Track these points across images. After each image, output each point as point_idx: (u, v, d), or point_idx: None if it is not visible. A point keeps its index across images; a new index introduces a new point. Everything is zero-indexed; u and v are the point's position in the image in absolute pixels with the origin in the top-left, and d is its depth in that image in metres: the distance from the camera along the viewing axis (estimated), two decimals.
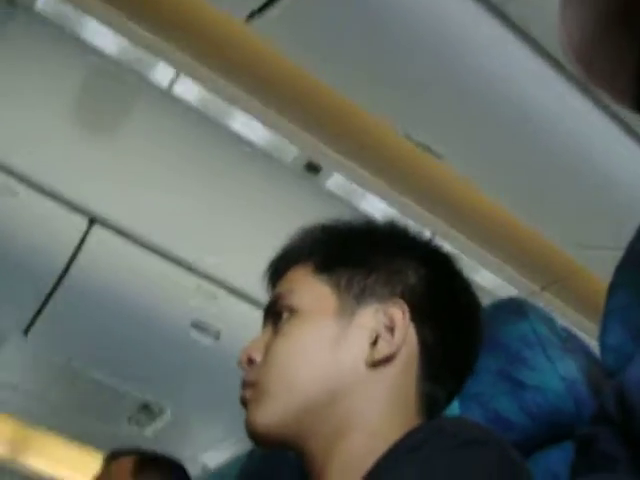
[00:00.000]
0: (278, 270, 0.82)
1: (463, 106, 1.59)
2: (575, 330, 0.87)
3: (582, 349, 0.82)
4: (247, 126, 1.95)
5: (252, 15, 1.41)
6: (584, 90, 1.52)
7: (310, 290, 0.77)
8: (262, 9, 1.37)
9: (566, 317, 2.12)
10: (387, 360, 0.74)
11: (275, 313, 0.78)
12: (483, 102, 1.56)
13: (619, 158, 1.63)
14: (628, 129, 1.57)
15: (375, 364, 0.73)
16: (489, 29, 1.44)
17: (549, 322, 0.84)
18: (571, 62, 0.61)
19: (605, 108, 1.54)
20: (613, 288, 0.73)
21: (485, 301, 0.82)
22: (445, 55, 1.48)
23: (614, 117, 1.55)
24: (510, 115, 1.58)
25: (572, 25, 0.59)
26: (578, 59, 0.60)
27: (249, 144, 1.99)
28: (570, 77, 1.50)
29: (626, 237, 0.74)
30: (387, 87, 1.59)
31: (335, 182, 2.04)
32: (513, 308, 0.87)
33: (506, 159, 1.70)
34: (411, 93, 1.59)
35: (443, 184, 1.83)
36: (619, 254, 0.74)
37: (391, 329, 0.74)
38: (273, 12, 1.36)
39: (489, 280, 2.16)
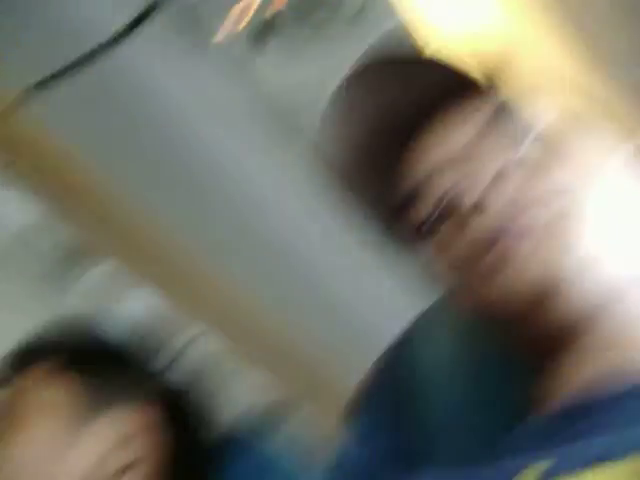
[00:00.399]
0: (22, 363, 0.76)
1: None
2: None
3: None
4: None
5: None
6: None
7: (50, 389, 0.72)
8: None
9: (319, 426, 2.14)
10: (129, 467, 0.70)
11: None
12: None
13: None
14: None
15: (117, 471, 0.69)
16: None
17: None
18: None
19: None
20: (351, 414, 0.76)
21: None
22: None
23: None
24: None
25: (332, 144, 0.63)
26: (343, 177, 0.63)
27: None
28: None
29: None
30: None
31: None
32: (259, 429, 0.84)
33: None
34: None
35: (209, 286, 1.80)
36: None
37: (134, 435, 0.71)
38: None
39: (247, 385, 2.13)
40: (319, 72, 1.24)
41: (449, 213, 0.57)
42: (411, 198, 0.60)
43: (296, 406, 2.08)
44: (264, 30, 1.27)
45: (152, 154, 1.36)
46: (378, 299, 1.66)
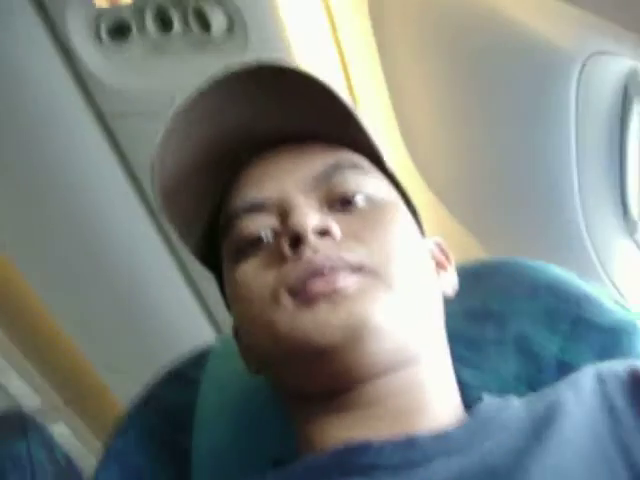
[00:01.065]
0: None
1: None
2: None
3: (78, 477, 0.76)
4: None
5: None
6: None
7: None
8: None
9: (82, 436, 2.11)
10: None
11: None
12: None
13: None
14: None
15: None
16: None
17: (50, 446, 0.77)
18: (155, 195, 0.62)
19: None
20: (117, 430, 0.74)
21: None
22: None
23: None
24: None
25: (164, 163, 0.60)
26: (163, 196, 0.61)
27: None
28: None
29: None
30: None
31: None
32: (14, 424, 0.79)
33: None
34: None
35: None
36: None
37: None
38: None
39: (15, 386, 2.03)
40: (165, 84, 1.21)
41: (274, 244, 0.58)
42: (237, 220, 0.60)
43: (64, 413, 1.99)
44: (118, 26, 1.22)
45: None
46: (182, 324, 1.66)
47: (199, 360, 0.79)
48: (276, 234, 0.58)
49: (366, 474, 0.52)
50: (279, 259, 0.56)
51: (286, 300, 0.54)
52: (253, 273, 0.58)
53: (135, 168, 1.40)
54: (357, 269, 0.55)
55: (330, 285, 0.53)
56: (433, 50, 1.07)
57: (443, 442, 0.54)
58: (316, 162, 0.60)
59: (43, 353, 1.97)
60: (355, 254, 0.55)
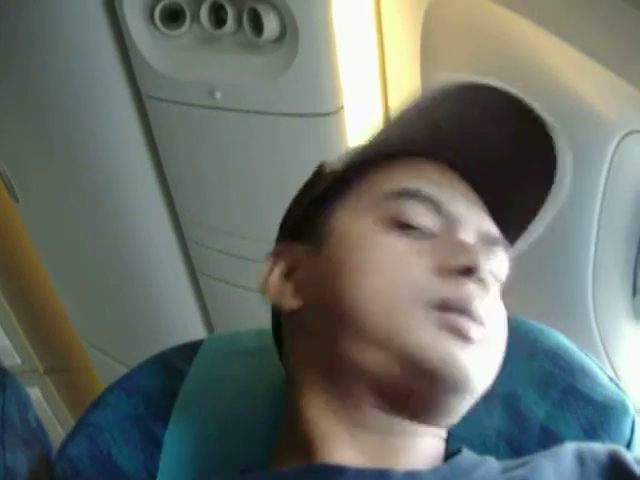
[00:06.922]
0: None
1: None
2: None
3: (42, 444, 0.75)
4: None
5: None
6: None
7: None
8: None
9: (54, 406, 2.09)
10: None
11: None
12: None
13: None
14: None
15: None
16: None
17: (24, 406, 0.77)
18: None
19: None
20: (94, 405, 0.75)
21: None
22: None
23: None
24: None
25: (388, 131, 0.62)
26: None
27: None
28: None
29: None
30: None
31: None
32: None
33: None
34: None
35: None
36: None
37: None
38: None
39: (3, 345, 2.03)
40: (206, 78, 1.22)
41: (438, 248, 0.58)
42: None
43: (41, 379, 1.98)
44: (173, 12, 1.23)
45: None
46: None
47: (188, 352, 0.79)
48: (438, 239, 0.59)
49: None
50: (438, 264, 0.57)
51: (430, 309, 0.55)
52: (405, 254, 0.57)
53: (160, 151, 1.40)
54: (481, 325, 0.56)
55: (472, 331, 0.55)
56: None
57: None
58: (491, 223, 0.63)
59: (33, 317, 1.96)
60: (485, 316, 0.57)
